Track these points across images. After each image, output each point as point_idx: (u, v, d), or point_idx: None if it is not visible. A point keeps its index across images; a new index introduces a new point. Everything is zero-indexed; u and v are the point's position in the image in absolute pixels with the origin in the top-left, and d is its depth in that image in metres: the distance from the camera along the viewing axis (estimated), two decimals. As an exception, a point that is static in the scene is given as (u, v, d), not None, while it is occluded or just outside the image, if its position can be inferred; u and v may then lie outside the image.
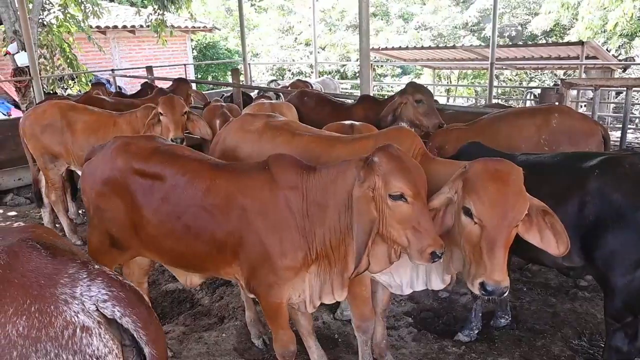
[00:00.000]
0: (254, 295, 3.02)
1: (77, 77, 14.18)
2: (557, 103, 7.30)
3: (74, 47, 13.60)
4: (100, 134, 5.60)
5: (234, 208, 2.83)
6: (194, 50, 23.08)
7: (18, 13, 9.78)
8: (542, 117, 4.38)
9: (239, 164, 3.30)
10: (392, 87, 19.76)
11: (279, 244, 2.75)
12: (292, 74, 24.71)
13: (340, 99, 7.24)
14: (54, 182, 5.97)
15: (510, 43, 22.22)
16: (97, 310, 1.66)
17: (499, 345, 3.92)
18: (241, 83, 9.87)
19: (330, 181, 2.71)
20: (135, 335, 1.71)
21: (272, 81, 13.99)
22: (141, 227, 3.11)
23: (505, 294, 2.42)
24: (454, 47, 16.76)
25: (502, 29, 25.23)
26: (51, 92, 12.35)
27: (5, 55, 11.55)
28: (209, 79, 23.26)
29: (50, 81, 13.19)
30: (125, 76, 15.48)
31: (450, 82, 22.64)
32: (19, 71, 11.02)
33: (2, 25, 11.22)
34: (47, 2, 12.67)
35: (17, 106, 13.10)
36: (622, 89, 9.16)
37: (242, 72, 14.06)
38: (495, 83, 13.59)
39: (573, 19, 21.44)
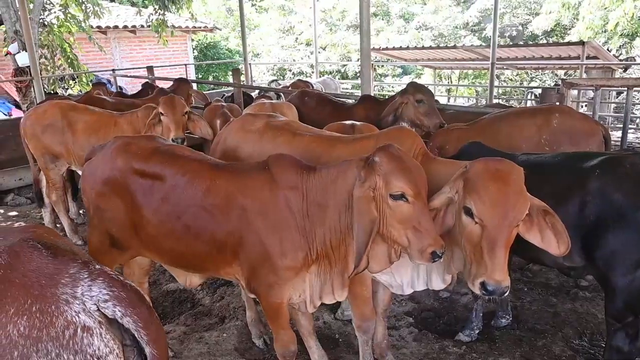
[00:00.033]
0: (255, 296, 3.02)
1: (77, 77, 14.19)
2: (557, 103, 7.30)
3: (75, 47, 13.60)
4: (101, 134, 5.60)
5: (234, 208, 2.83)
6: (195, 50, 23.08)
7: (19, 13, 9.79)
8: (542, 117, 4.38)
9: (239, 164, 3.30)
10: (392, 87, 19.76)
11: (279, 244, 2.75)
12: (293, 74, 24.71)
13: (341, 99, 7.24)
14: (55, 182, 5.97)
15: (511, 43, 22.21)
16: (98, 310, 1.66)
17: (499, 345, 3.92)
18: (242, 83, 9.86)
19: (331, 181, 2.71)
20: (136, 335, 1.71)
21: (272, 81, 13.99)
22: (141, 227, 3.11)
23: (506, 294, 2.43)
24: (454, 47, 16.74)
25: (502, 29, 25.23)
26: (52, 92, 12.34)
27: (6, 55, 11.54)
28: (210, 79, 23.26)
29: (51, 81, 13.19)
30: (126, 76, 15.49)
31: (451, 82, 22.64)
32: (19, 71, 11.03)
33: (3, 26, 11.22)
34: (48, 2, 12.68)
35: (17, 106, 13.11)
36: (622, 89, 9.15)
37: (243, 72, 14.07)
38: (496, 83, 13.60)
39: (574, 18, 21.41)
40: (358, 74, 19.79)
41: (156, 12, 13.67)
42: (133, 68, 16.57)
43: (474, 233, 2.46)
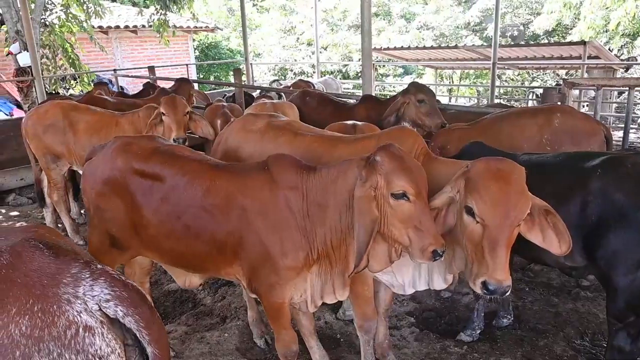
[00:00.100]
0: (256, 296, 3.02)
1: (79, 77, 14.20)
2: (559, 103, 7.28)
3: (76, 47, 13.62)
4: (102, 134, 5.60)
5: (233, 208, 2.83)
6: (196, 50, 23.09)
7: (20, 13, 9.80)
8: (544, 116, 4.38)
9: (239, 164, 3.31)
10: (394, 87, 19.72)
11: (280, 244, 2.76)
12: (294, 74, 24.70)
13: (342, 99, 7.24)
14: (56, 182, 5.97)
15: (513, 43, 22.19)
16: (100, 309, 1.66)
17: (501, 345, 3.92)
18: (243, 83, 9.86)
19: (331, 181, 2.71)
20: (138, 335, 1.71)
21: (274, 81, 14.01)
22: (141, 227, 3.11)
23: (507, 293, 2.42)
24: (456, 47, 16.73)
25: (504, 29, 25.19)
26: (53, 92, 12.36)
27: (7, 55, 11.57)
28: (211, 79, 23.25)
29: (53, 81, 13.21)
30: (128, 76, 15.50)
31: (453, 82, 22.61)
32: (21, 71, 11.04)
33: (4, 26, 11.24)
34: (50, 2, 12.69)
35: (19, 106, 13.11)
36: (624, 88, 9.13)
37: (244, 72, 14.07)
38: (497, 83, 13.56)
39: (575, 18, 21.37)
40: (359, 74, 19.77)
41: (157, 12, 13.68)
42: (134, 68, 16.58)
43: (476, 232, 2.46)
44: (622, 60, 17.19)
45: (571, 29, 21.66)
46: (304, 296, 2.95)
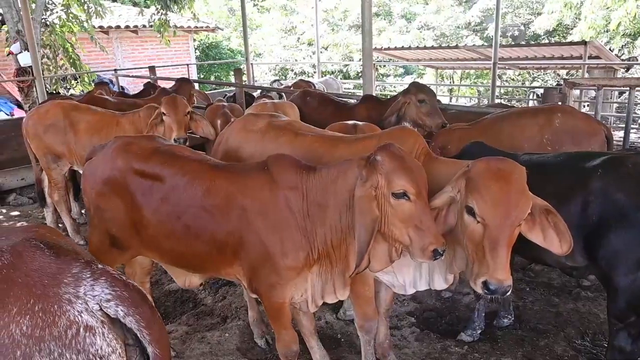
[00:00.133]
0: (257, 296, 3.02)
1: (79, 77, 14.21)
2: (560, 103, 7.28)
3: (77, 47, 13.64)
4: (103, 133, 5.60)
5: (233, 208, 2.83)
6: (197, 50, 23.08)
7: (21, 13, 9.80)
8: (544, 116, 4.38)
9: (239, 164, 3.30)
10: (394, 87, 19.71)
11: (280, 244, 2.76)
12: (295, 73, 24.70)
13: (342, 99, 7.24)
14: (57, 182, 5.97)
15: (513, 43, 22.20)
16: (101, 309, 1.66)
17: (501, 345, 3.92)
18: (244, 83, 9.86)
19: (331, 181, 2.71)
20: (139, 335, 1.71)
21: (274, 81, 14.01)
22: (141, 227, 3.11)
23: (508, 293, 2.42)
24: (456, 47, 16.73)
25: (504, 29, 25.18)
26: (54, 92, 12.38)
27: (8, 55, 11.58)
28: (212, 78, 23.25)
29: (53, 81, 13.22)
30: (128, 76, 15.50)
31: (453, 82, 22.60)
32: (21, 71, 11.05)
33: (5, 26, 11.26)
34: (50, 2, 12.71)
35: (19, 106, 13.12)
36: (625, 88, 9.15)
37: (245, 72, 14.07)
38: (498, 83, 13.54)
39: (576, 18, 21.36)
40: (360, 74, 19.80)
41: (158, 12, 13.69)
42: (135, 68, 16.59)
43: (476, 232, 2.46)
44: (622, 60, 17.18)
45: (572, 29, 21.65)
46: (305, 296, 2.95)
